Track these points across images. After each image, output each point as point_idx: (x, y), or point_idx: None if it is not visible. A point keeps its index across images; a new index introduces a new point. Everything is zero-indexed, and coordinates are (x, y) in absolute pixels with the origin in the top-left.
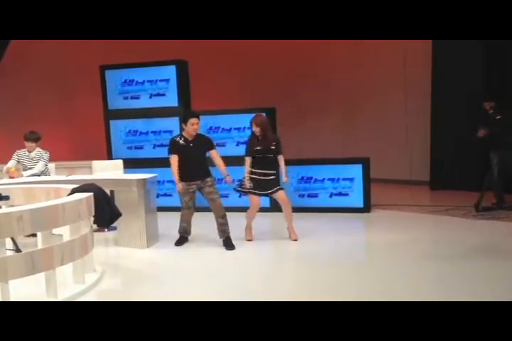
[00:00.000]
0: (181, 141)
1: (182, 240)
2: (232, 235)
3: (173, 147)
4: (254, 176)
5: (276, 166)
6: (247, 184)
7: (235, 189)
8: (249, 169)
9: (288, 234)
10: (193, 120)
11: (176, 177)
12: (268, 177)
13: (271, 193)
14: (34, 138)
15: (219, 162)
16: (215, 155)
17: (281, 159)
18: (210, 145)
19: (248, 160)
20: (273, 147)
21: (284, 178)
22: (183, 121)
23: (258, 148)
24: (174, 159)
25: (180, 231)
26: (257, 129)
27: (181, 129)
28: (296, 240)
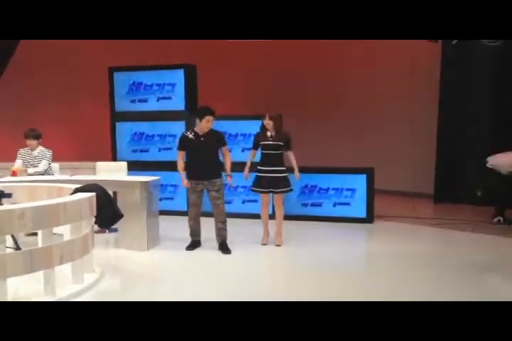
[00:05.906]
0: (191, 135)
1: (193, 244)
2: (234, 240)
3: (181, 143)
4: (263, 174)
5: (284, 163)
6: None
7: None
8: (250, 162)
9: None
10: (209, 117)
11: (181, 172)
12: (279, 175)
13: (275, 192)
14: (34, 135)
15: (226, 159)
16: (225, 151)
17: (291, 155)
18: (222, 142)
19: (252, 152)
20: (283, 143)
21: (296, 175)
22: (200, 116)
23: (270, 142)
24: (180, 155)
25: (190, 234)
26: (269, 122)
27: (189, 124)
28: (279, 245)
